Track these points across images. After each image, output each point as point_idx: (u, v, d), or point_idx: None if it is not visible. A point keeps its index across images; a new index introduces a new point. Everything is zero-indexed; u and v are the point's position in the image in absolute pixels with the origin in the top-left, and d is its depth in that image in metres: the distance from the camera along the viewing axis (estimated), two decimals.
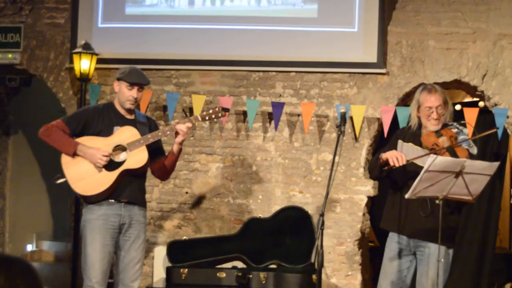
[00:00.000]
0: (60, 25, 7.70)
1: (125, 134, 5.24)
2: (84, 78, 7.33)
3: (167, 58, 7.39)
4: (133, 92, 5.26)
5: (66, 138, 5.21)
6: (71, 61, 7.42)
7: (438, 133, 4.99)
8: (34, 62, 7.76)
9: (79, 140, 5.24)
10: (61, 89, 7.68)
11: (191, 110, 7.24)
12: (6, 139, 9.03)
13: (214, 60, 7.32)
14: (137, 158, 5.20)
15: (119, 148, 5.22)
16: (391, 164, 4.87)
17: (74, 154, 5.18)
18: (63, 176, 5.26)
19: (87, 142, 5.22)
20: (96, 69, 7.39)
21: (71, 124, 5.29)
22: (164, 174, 5.53)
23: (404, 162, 4.83)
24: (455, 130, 5.05)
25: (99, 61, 7.38)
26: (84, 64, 7.27)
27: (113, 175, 5.17)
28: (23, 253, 9.32)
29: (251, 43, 7.27)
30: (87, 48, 7.28)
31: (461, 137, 5.01)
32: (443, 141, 4.92)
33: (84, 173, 5.18)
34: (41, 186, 9.72)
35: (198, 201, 7.35)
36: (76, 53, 7.28)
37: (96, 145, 5.19)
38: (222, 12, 7.39)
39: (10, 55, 7.79)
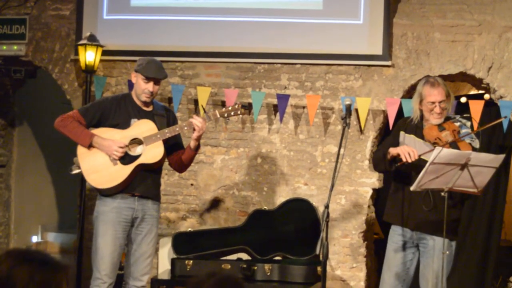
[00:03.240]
0: (65, 16, 7.70)
1: (142, 127, 5.21)
2: (89, 70, 7.32)
3: (172, 50, 7.38)
4: (149, 86, 5.24)
5: (82, 129, 5.20)
6: (76, 53, 7.42)
7: (440, 127, 4.98)
8: (39, 53, 7.76)
9: (95, 131, 5.23)
10: (66, 81, 7.69)
11: (196, 102, 7.25)
12: (11, 131, 9.04)
13: (219, 52, 7.31)
14: (153, 153, 5.18)
15: (136, 142, 5.20)
16: (403, 160, 4.86)
17: (90, 146, 5.18)
18: (78, 166, 5.27)
19: (104, 133, 5.21)
20: (101, 61, 7.38)
21: (87, 115, 5.27)
22: (181, 167, 5.53)
23: (416, 157, 4.83)
24: (457, 124, 5.04)
25: (104, 53, 7.38)
26: (89, 56, 7.26)
27: (128, 169, 5.15)
28: (28, 244, 9.35)
29: (256, 35, 7.26)
30: (92, 40, 7.28)
31: (463, 131, 4.99)
32: (446, 136, 4.91)
33: (99, 165, 5.17)
34: (46, 178, 9.74)
35: (203, 193, 7.35)
36: (81, 45, 7.28)
37: (112, 137, 5.18)
38: (227, 4, 7.38)
39: (15, 47, 7.79)
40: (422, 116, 5.15)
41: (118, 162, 5.16)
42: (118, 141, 5.15)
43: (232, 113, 5.36)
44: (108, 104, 5.33)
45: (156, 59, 5.41)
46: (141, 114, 5.30)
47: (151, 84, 5.24)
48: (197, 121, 5.20)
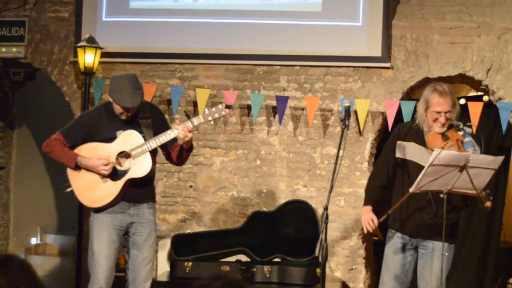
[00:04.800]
0: (64, 18, 7.70)
1: (128, 139, 5.12)
2: (89, 72, 7.33)
3: (171, 52, 7.39)
4: (128, 111, 5.11)
5: (65, 152, 5.14)
6: (75, 55, 7.43)
7: (444, 136, 4.92)
8: (38, 55, 7.76)
9: (82, 147, 5.15)
10: (65, 83, 7.69)
11: (195, 104, 7.25)
12: (10, 133, 9.04)
13: (218, 54, 7.32)
14: (141, 167, 5.10)
15: (123, 155, 5.13)
16: (365, 231, 5.14)
17: (76, 167, 5.14)
18: (70, 185, 5.23)
19: (90, 151, 5.12)
20: (100, 63, 7.39)
21: (70, 137, 5.19)
22: (178, 161, 5.40)
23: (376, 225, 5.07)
24: (461, 133, 4.99)
25: (103, 55, 7.38)
26: (88, 58, 7.26)
27: (118, 185, 5.11)
28: (27, 246, 9.34)
29: (255, 37, 7.27)
30: (91, 42, 7.28)
31: (466, 140, 4.97)
32: (451, 146, 4.85)
33: (89, 184, 5.13)
34: (45, 180, 9.73)
35: (202, 194, 7.35)
36: (80, 47, 7.28)
37: (99, 153, 5.10)
38: (226, 6, 7.38)
39: (14, 49, 7.79)
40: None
41: (108, 179, 5.10)
42: (102, 158, 5.06)
43: (216, 115, 5.14)
44: (89, 121, 5.23)
45: (130, 77, 5.11)
46: (126, 123, 5.17)
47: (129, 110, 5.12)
48: (180, 129, 5.04)
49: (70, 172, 5.19)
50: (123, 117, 5.15)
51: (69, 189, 5.24)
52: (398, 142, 5.13)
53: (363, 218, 5.09)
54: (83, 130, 5.20)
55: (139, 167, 5.11)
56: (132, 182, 5.14)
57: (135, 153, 5.10)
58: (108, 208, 5.15)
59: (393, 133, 5.33)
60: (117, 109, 5.11)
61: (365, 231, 5.09)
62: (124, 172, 5.12)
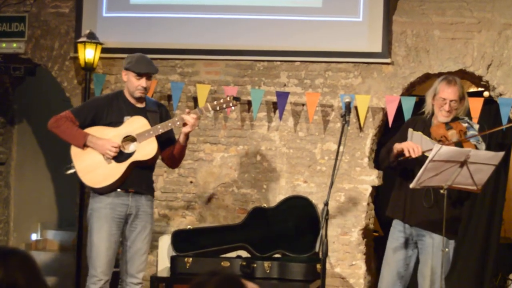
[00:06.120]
0: (65, 14, 7.69)
1: (135, 124, 5.21)
2: (89, 68, 7.32)
3: (171, 48, 7.38)
4: (142, 82, 5.22)
5: (75, 130, 5.19)
6: (76, 51, 7.42)
7: (448, 126, 4.98)
8: (38, 51, 7.76)
9: (89, 130, 5.21)
10: (65, 79, 7.69)
11: (195, 99, 7.24)
12: (10, 129, 9.03)
13: (218, 49, 7.31)
14: (146, 150, 5.18)
15: (129, 139, 5.20)
16: (407, 154, 4.86)
17: (84, 146, 5.18)
18: (73, 166, 5.26)
19: (97, 132, 5.19)
20: (100, 58, 7.38)
21: (80, 116, 5.26)
22: (173, 162, 5.52)
23: (420, 154, 4.82)
24: (465, 125, 5.03)
25: (104, 50, 7.38)
26: (88, 54, 7.26)
27: (122, 166, 5.15)
28: (28, 242, 9.34)
29: (256, 32, 7.26)
30: (92, 38, 7.27)
31: (470, 132, 4.99)
32: (452, 135, 4.91)
33: (94, 164, 5.17)
34: (45, 175, 9.74)
35: (203, 190, 7.35)
36: (81, 42, 7.28)
37: (105, 136, 5.17)
38: (227, 1, 7.37)
39: (14, 45, 7.79)
40: (433, 113, 5.16)
41: (112, 160, 5.16)
42: (112, 141, 5.15)
43: (224, 106, 5.31)
44: (100, 103, 5.33)
45: (144, 55, 5.40)
46: (134, 111, 5.28)
47: (143, 80, 5.23)
48: (189, 116, 5.19)
49: (74, 152, 5.24)
50: (138, 93, 5.26)
51: (71, 171, 5.29)
52: (409, 129, 5.17)
53: (404, 145, 4.89)
54: (92, 111, 5.29)
55: (144, 150, 5.18)
56: (135, 167, 5.19)
57: (141, 137, 5.17)
58: (110, 190, 5.18)
59: (407, 121, 5.41)
60: (133, 83, 5.24)
61: (407, 155, 4.86)
62: (129, 155, 5.18)
